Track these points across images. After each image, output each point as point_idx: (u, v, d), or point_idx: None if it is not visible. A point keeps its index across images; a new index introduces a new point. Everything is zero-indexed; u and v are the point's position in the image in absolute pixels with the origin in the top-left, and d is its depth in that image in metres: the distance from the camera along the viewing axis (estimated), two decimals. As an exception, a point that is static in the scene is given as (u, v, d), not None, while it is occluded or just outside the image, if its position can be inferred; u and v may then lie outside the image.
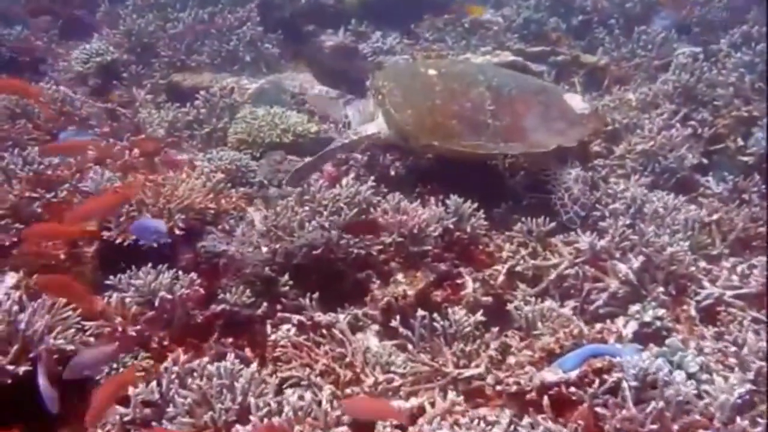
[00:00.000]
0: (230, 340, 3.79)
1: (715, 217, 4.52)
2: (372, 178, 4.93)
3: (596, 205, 4.76)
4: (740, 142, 5.38)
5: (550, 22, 7.52)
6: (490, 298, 4.17)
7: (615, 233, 4.15)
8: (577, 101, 4.94)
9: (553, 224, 4.53)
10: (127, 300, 3.58)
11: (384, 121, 4.99)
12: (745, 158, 5.30)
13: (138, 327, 3.50)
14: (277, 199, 4.87)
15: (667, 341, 3.38)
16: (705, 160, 5.38)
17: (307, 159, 5.09)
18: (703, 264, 4.18)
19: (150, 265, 3.75)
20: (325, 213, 4.45)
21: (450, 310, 3.83)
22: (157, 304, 3.56)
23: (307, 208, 4.55)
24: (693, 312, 3.84)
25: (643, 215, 4.54)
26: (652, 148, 5.38)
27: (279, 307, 3.97)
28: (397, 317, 3.82)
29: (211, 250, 4.05)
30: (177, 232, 4.01)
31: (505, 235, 4.62)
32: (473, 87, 4.87)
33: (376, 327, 4.05)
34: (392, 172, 5.33)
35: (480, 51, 7.32)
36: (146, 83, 6.67)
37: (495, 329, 3.81)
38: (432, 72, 5.00)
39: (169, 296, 3.53)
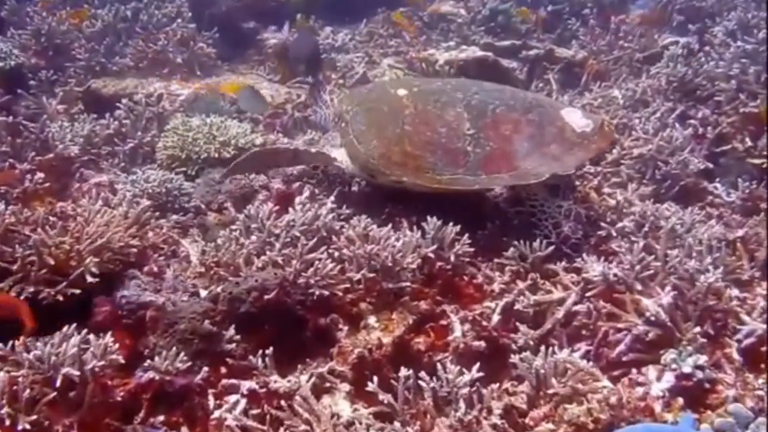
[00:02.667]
0: (161, 418, 2.94)
1: (740, 233, 3.83)
2: (331, 197, 4.15)
3: (599, 223, 4.03)
4: (748, 143, 4.70)
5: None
6: (482, 343, 3.39)
7: (632, 259, 3.40)
8: (577, 117, 4.05)
9: (551, 248, 3.78)
10: (20, 380, 2.67)
11: (346, 152, 4.19)
12: (757, 161, 4.62)
13: (33, 417, 2.60)
14: (217, 228, 4.04)
15: (730, 407, 2.65)
16: (710, 165, 4.68)
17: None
18: (735, 292, 3.46)
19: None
20: (278, 245, 3.63)
21: (440, 366, 3.03)
22: (58, 383, 2.66)
23: (254, 238, 3.72)
24: (735, 355, 3.13)
25: (656, 234, 3.80)
26: (650, 152, 4.70)
27: (224, 370, 3.12)
28: (373, 377, 3.01)
29: (134, 301, 3.18)
30: (89, 279, 3.13)
31: (494, 263, 3.86)
32: (449, 107, 4.07)
33: (346, 387, 3.22)
34: (354, 188, 4.52)
35: (443, 47, 6.58)
36: (59, 91, 5.72)
37: (494, 387, 3.03)
38: (402, 92, 4.20)
39: (77, 372, 2.64)
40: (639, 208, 4.04)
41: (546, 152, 3.93)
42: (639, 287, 3.33)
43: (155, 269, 3.43)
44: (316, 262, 3.46)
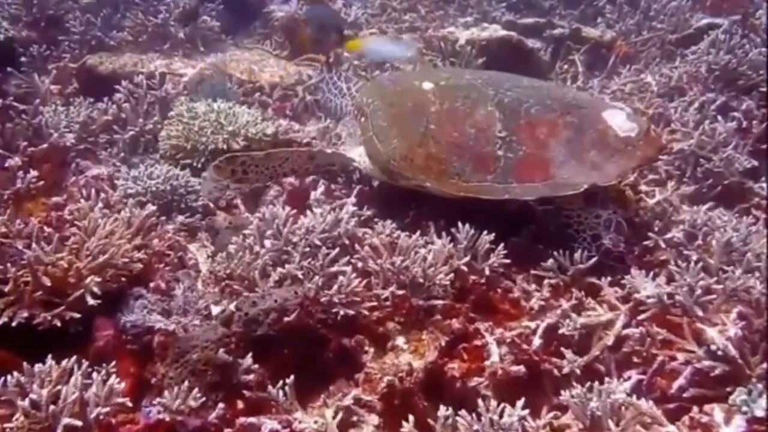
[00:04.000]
0: (172, 463, 2.63)
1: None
2: (352, 198, 3.82)
3: (643, 230, 3.70)
4: (797, 140, 4.37)
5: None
6: (521, 367, 3.08)
7: (691, 281, 3.08)
8: (620, 120, 3.66)
9: (593, 260, 3.46)
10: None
11: (365, 150, 3.83)
12: (807, 160, 4.29)
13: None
14: (228, 232, 3.69)
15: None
16: (755, 163, 4.34)
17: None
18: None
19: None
20: (296, 255, 3.30)
21: (482, 403, 2.71)
22: None
23: (269, 244, 3.39)
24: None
25: (707, 246, 3.48)
26: (691, 147, 4.36)
27: (241, 405, 2.80)
28: (405, 412, 2.71)
29: (140, 325, 2.86)
30: (90, 302, 2.79)
31: (531, 274, 3.53)
32: (479, 106, 3.69)
33: (374, 420, 2.91)
34: (375, 184, 4.16)
35: (461, 23, 6.17)
36: (52, 68, 5.28)
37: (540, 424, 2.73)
38: (427, 86, 3.81)
39: (78, 423, 2.31)
40: (688, 215, 3.69)
41: (585, 159, 3.58)
42: (699, 312, 3.01)
43: (162, 285, 3.10)
44: (340, 277, 3.14)
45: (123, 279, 2.99)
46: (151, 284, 3.11)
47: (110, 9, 5.72)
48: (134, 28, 5.63)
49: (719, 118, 4.53)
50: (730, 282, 3.07)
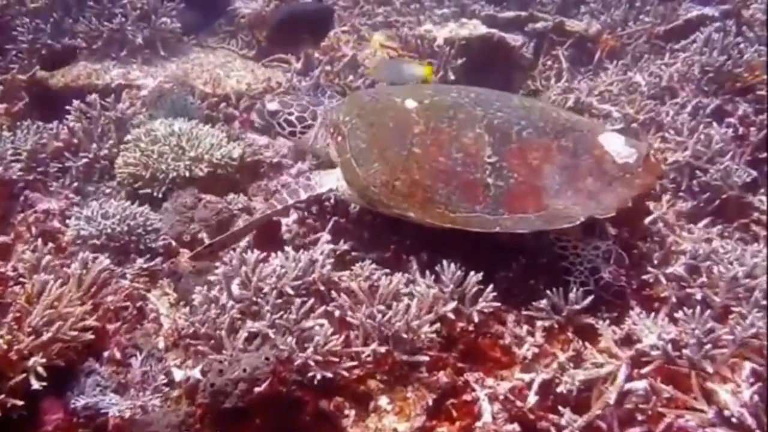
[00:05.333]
0: None
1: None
2: (326, 233, 3.53)
3: (642, 263, 3.44)
4: (798, 147, 4.11)
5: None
6: (515, 426, 2.84)
7: (698, 332, 2.83)
8: (618, 144, 3.39)
9: (589, 299, 3.19)
10: None
11: (342, 174, 3.49)
12: (809, 171, 4.04)
13: None
14: (192, 277, 3.37)
15: None
16: (754, 173, 4.08)
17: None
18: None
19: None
20: (267, 307, 3.00)
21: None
22: None
23: (237, 292, 3.10)
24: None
25: (712, 281, 3.23)
26: (685, 157, 4.09)
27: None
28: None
29: (92, 406, 2.55)
30: (35, 385, 2.48)
31: (522, 314, 3.26)
32: (467, 127, 3.36)
33: (358, 496, 2.67)
34: (353, 212, 3.85)
35: (437, 13, 5.82)
36: (-2, 82, 4.89)
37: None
38: (410, 104, 3.47)
39: None
40: (689, 245, 3.42)
41: (581, 188, 3.30)
42: (708, 368, 2.76)
43: (118, 355, 2.79)
44: (316, 337, 2.85)
45: (72, 353, 2.66)
46: (105, 354, 2.80)
47: (61, 13, 5.26)
48: (88, 33, 5.20)
49: (714, 124, 4.26)
50: (740, 331, 2.81)
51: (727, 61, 4.43)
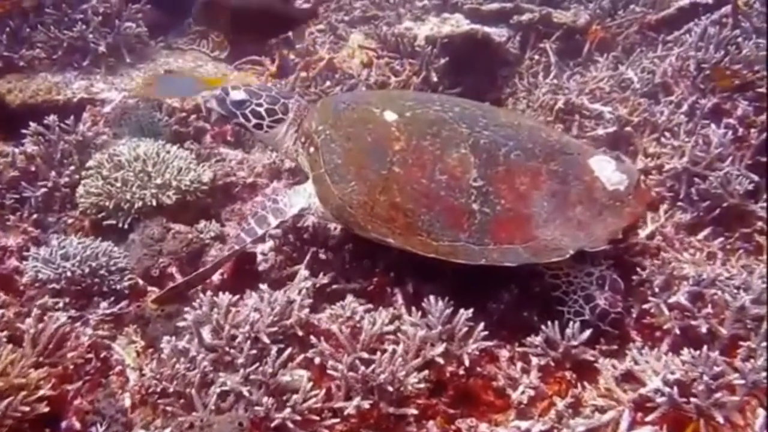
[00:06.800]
0: None
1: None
2: (303, 267, 3.29)
3: (641, 289, 3.23)
4: (803, 150, 3.88)
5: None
6: (513, 480, 2.66)
7: (706, 377, 2.62)
8: (609, 170, 3.17)
9: (587, 333, 2.98)
10: None
11: (315, 190, 3.23)
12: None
13: None
14: (160, 321, 3.14)
15: None
16: (756, 178, 3.84)
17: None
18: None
19: None
20: (241, 359, 2.78)
21: None
22: None
23: (209, 339, 2.88)
24: None
25: (718, 312, 3.01)
26: (683, 163, 3.86)
27: None
28: None
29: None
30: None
31: (516, 351, 3.05)
32: (451, 146, 3.11)
33: None
34: (332, 238, 3.61)
35: (417, 7, 5.55)
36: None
37: None
38: (390, 116, 3.20)
39: None
40: (692, 270, 3.21)
41: (570, 217, 3.07)
42: (719, 417, 2.56)
43: (77, 425, 2.55)
44: (294, 396, 2.63)
45: (27, 426, 2.43)
46: (64, 424, 2.57)
47: (19, 21, 4.94)
48: (47, 43, 4.89)
49: (713, 125, 4.02)
50: (750, 372, 2.61)
51: (724, 58, 4.17)
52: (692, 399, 2.59)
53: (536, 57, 5.29)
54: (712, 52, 4.26)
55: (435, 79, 4.81)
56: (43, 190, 3.86)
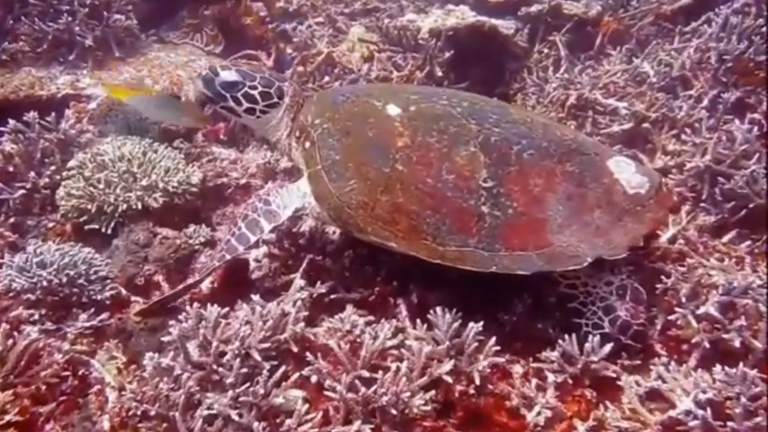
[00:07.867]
0: None
1: None
2: (299, 276, 3.05)
3: (665, 298, 2.99)
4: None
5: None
6: None
7: (741, 389, 2.38)
8: (629, 172, 2.94)
9: (608, 347, 2.74)
10: None
11: (311, 189, 2.98)
12: None
13: None
14: (143, 335, 2.90)
15: None
16: (780, 175, 3.61)
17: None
18: None
19: None
20: (230, 379, 2.53)
21: None
22: None
23: (197, 355, 2.64)
24: None
25: (751, 325, 2.77)
26: (706, 161, 3.62)
27: None
28: None
29: None
30: None
31: (531, 367, 2.81)
32: (459, 143, 2.87)
33: None
34: (330, 242, 3.36)
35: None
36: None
37: None
38: (393, 110, 2.96)
39: None
40: (722, 278, 2.96)
41: (588, 222, 2.83)
42: (755, 442, 2.31)
43: (48, 454, 2.31)
44: (287, 421, 2.39)
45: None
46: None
47: (2, 12, 4.69)
48: (32, 35, 4.64)
49: (736, 121, 3.77)
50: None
51: (748, 49, 3.92)
52: (729, 423, 2.34)
53: (546, 50, 5.02)
54: (734, 43, 4.03)
55: (439, 73, 4.56)
56: (22, 191, 3.61)
